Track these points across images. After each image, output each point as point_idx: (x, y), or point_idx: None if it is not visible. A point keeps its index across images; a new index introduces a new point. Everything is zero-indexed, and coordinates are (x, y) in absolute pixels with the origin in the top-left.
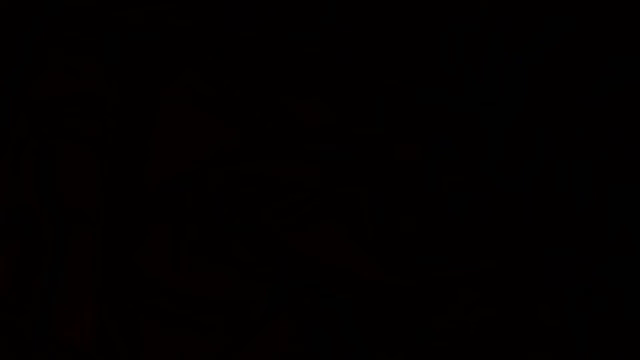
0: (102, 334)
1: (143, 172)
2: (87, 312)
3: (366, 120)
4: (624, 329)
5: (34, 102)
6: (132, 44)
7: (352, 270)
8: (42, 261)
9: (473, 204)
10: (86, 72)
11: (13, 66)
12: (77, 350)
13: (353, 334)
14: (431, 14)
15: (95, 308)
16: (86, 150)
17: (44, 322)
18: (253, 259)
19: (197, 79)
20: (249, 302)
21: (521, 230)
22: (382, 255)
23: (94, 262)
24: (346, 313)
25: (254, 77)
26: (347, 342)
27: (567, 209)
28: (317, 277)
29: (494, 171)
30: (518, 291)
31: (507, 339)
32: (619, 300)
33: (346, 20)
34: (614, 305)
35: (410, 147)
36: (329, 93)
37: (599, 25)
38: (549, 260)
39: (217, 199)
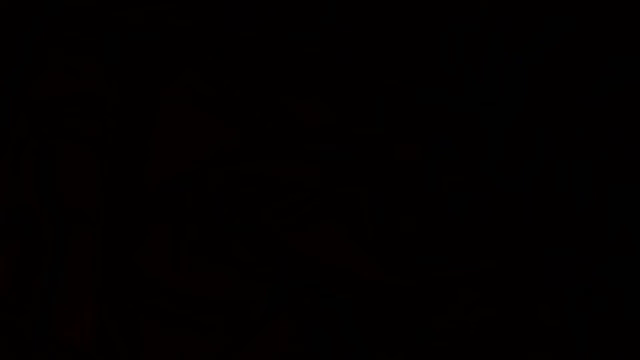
0: (102, 334)
1: (143, 172)
2: (87, 312)
3: (366, 120)
4: (624, 329)
5: (34, 102)
6: (132, 44)
7: (352, 270)
8: (42, 261)
9: (473, 204)
10: (86, 72)
11: (13, 66)
12: (77, 350)
13: (353, 334)
14: (431, 14)
15: (95, 308)
16: (86, 150)
17: (44, 322)
18: (253, 259)
19: (197, 79)
20: (249, 302)
21: (521, 230)
22: (382, 255)
23: (94, 262)
24: (346, 313)
25: (254, 77)
26: (347, 342)
27: (567, 209)
28: (317, 277)
29: (494, 171)
30: (518, 291)
31: (507, 339)
32: (619, 300)
33: (346, 20)
34: (614, 305)
35: (410, 147)
36: (329, 93)
37: (599, 25)
38: (549, 260)
39: (217, 199)
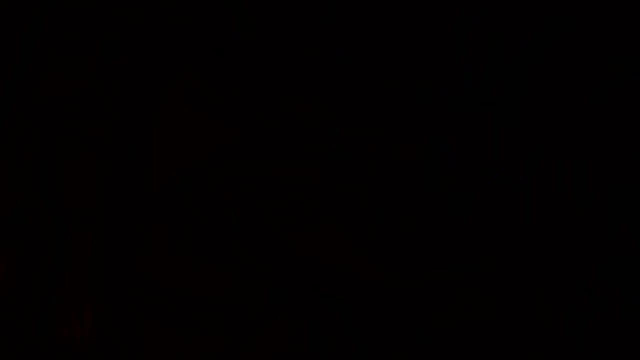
0: (102, 334)
1: (143, 172)
2: (87, 312)
3: (366, 120)
4: (624, 329)
5: (34, 102)
6: (132, 44)
7: (352, 270)
8: (42, 261)
9: (473, 204)
10: (86, 72)
11: (13, 66)
12: (77, 350)
13: (353, 334)
14: (431, 14)
15: (95, 308)
16: (86, 150)
17: (44, 322)
18: (253, 259)
19: (197, 79)
20: (249, 302)
21: (521, 230)
22: (382, 255)
23: (94, 262)
24: (346, 313)
25: (254, 77)
26: (347, 342)
27: (567, 209)
28: (317, 277)
29: (494, 171)
30: (518, 291)
31: (507, 339)
32: (619, 300)
33: (346, 20)
34: (614, 305)
35: (410, 147)
36: (329, 93)
37: (599, 25)
38: (549, 260)
39: (217, 199)
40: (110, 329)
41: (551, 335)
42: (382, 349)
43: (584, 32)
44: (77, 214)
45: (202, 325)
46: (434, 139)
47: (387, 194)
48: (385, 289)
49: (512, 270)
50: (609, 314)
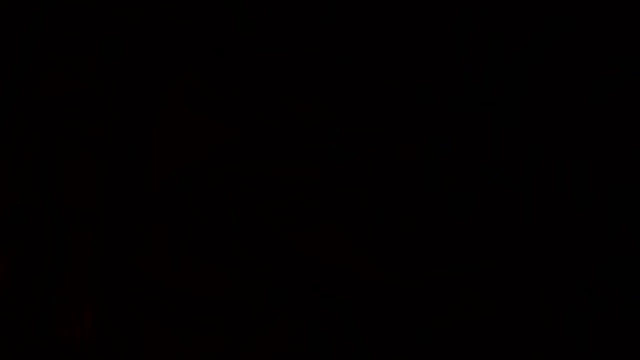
0: (102, 334)
1: (143, 172)
2: (87, 312)
3: (366, 120)
4: (624, 329)
5: (34, 102)
6: (132, 44)
7: (352, 270)
8: (42, 261)
9: (473, 204)
10: (86, 71)
11: (13, 66)
12: (77, 350)
13: (353, 334)
14: (431, 14)
15: (95, 308)
16: (86, 150)
17: (44, 322)
18: (253, 259)
19: (197, 79)
20: (249, 302)
21: (521, 230)
22: (382, 255)
23: (94, 262)
24: (346, 313)
25: (254, 77)
26: (347, 342)
27: (567, 209)
28: (317, 277)
29: (494, 171)
30: (518, 291)
31: (507, 339)
32: (619, 300)
33: (346, 20)
34: (614, 305)
35: (410, 147)
36: (329, 93)
37: (599, 25)
38: (549, 260)
39: (217, 199)
40: (110, 329)
41: (551, 335)
42: (382, 349)
43: (584, 32)
44: (77, 214)
45: (202, 325)
46: (434, 139)
47: (387, 194)
48: (385, 289)
49: (512, 270)
50: (609, 314)
